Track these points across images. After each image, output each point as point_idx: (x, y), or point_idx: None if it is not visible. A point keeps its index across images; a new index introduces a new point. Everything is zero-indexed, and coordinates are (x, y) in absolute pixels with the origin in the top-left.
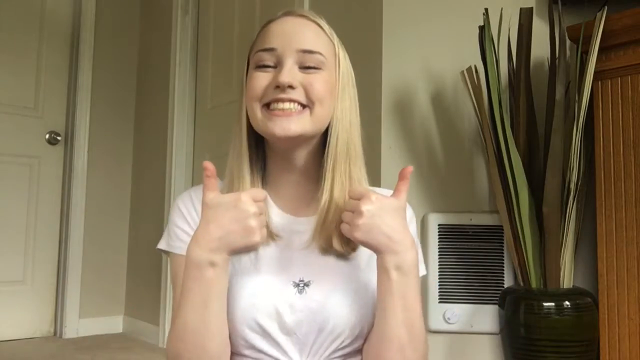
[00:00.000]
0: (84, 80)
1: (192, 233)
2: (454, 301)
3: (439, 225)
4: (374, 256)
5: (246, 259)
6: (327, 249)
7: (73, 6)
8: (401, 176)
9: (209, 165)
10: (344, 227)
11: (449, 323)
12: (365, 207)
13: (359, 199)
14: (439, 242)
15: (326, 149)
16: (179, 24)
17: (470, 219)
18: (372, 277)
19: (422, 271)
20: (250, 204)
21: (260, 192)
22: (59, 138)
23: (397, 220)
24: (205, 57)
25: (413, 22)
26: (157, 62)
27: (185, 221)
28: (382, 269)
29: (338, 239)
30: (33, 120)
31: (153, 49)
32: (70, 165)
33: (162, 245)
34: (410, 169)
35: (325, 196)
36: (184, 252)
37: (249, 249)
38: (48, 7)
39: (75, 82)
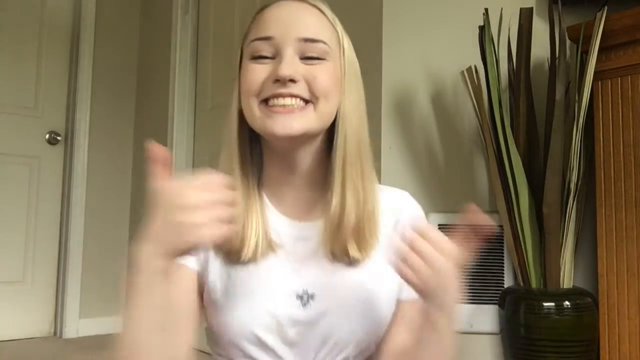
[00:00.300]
0: (84, 80)
1: None
2: None
3: (439, 225)
4: (387, 265)
5: (246, 269)
6: (338, 257)
7: (73, 6)
8: (476, 233)
9: (154, 147)
10: (405, 272)
11: None
12: (444, 264)
13: (434, 247)
14: None
15: (334, 148)
16: (179, 23)
17: None
18: (383, 287)
19: None
20: (197, 194)
21: (215, 179)
22: (59, 138)
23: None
24: (205, 57)
25: (413, 22)
26: (157, 61)
27: None
28: (427, 311)
29: (355, 245)
30: (33, 120)
31: (153, 49)
32: (70, 165)
33: None
34: (484, 218)
35: (335, 200)
36: None
37: (196, 249)
38: (48, 7)
39: (75, 82)
